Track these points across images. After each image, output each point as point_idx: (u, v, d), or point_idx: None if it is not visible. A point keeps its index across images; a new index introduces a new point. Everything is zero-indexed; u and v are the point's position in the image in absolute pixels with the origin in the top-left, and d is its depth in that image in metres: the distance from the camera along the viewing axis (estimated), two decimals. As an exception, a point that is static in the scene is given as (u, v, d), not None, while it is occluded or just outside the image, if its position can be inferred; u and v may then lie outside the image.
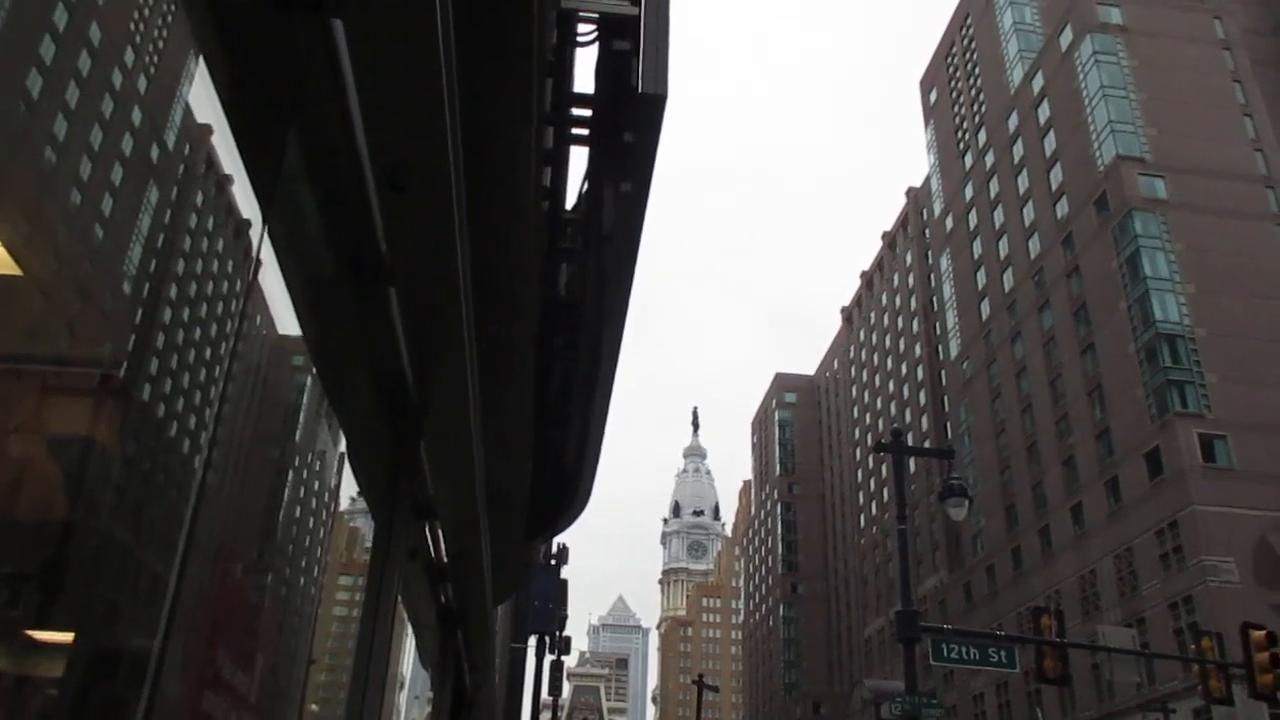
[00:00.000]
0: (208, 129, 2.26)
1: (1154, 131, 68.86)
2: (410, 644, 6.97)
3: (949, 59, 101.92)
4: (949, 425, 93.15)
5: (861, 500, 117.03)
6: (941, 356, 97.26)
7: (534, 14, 3.44)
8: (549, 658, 28.28)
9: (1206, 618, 49.40)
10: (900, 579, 21.44)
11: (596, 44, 4.66)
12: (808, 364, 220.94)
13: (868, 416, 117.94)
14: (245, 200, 2.49)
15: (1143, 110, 69.84)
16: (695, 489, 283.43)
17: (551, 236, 5.98)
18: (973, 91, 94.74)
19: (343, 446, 4.06)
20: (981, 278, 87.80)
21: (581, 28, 4.81)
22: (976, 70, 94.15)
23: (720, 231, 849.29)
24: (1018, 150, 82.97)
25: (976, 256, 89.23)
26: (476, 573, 8.24)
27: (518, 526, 8.83)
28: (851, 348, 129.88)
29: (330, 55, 2.62)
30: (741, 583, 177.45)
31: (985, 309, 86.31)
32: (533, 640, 25.66)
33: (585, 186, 5.52)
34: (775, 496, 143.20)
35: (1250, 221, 65.80)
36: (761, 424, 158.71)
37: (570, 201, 6.10)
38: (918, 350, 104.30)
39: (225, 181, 2.42)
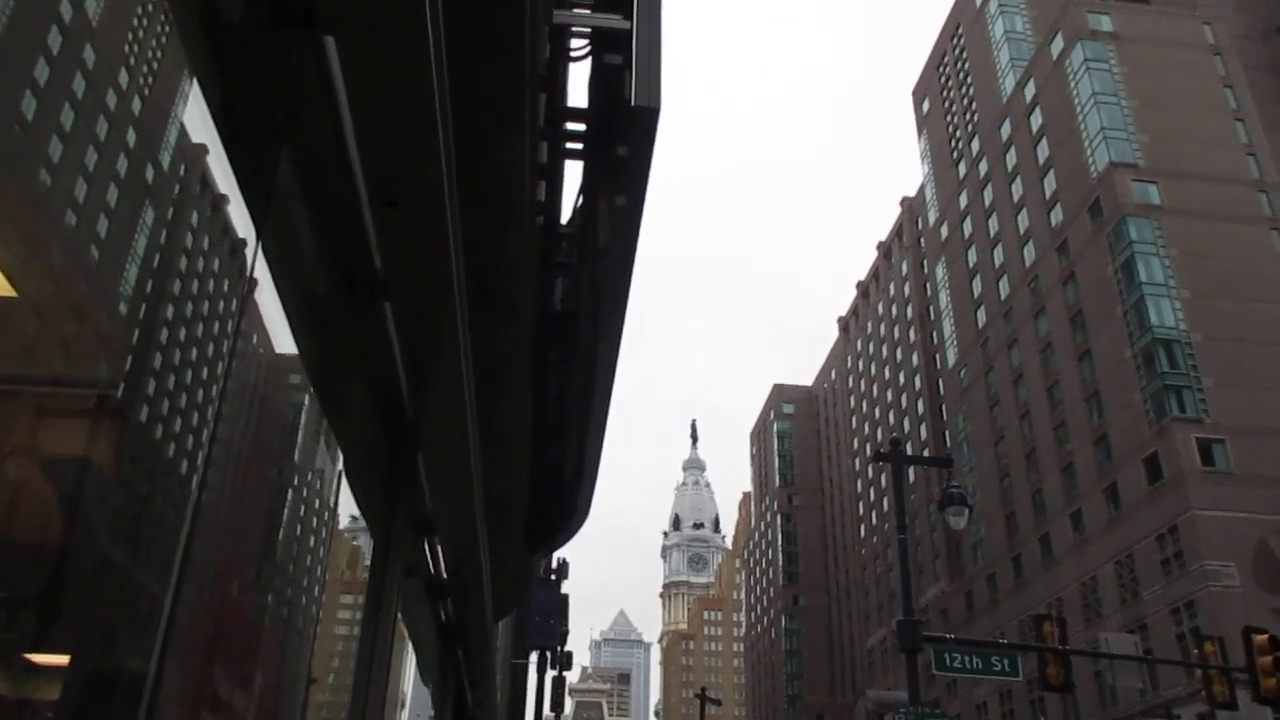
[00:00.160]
0: (202, 148, 2.27)
1: (1146, 137, 69.13)
2: (410, 661, 6.94)
3: (941, 69, 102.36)
4: (947, 434, 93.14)
5: (861, 510, 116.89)
6: (939, 365, 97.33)
7: (526, 29, 3.45)
8: (550, 674, 28.13)
9: (1208, 622, 49.30)
10: (901, 589, 21.40)
11: (589, 58, 4.67)
12: (806, 374, 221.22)
13: (866, 426, 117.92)
14: (239, 218, 2.49)
15: (1135, 116, 70.13)
16: (695, 501, 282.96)
17: (547, 251, 5.99)
18: (965, 100, 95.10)
19: (340, 463, 4.05)
20: (977, 286, 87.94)
21: (574, 42, 4.83)
22: (969, 79, 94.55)
23: (719, 243, 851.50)
24: (1011, 158, 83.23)
25: (972, 265, 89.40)
26: (476, 588, 8.21)
27: (517, 541, 8.81)
28: (849, 358, 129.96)
29: (322, 72, 2.62)
30: (743, 595, 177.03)
31: (981, 317, 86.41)
32: (534, 656, 25.57)
33: (580, 200, 5.53)
34: (775, 508, 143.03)
35: (1244, 226, 66.02)
36: (760, 435, 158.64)
37: (565, 216, 6.11)
38: (915, 359, 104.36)
39: (220, 200, 2.42)
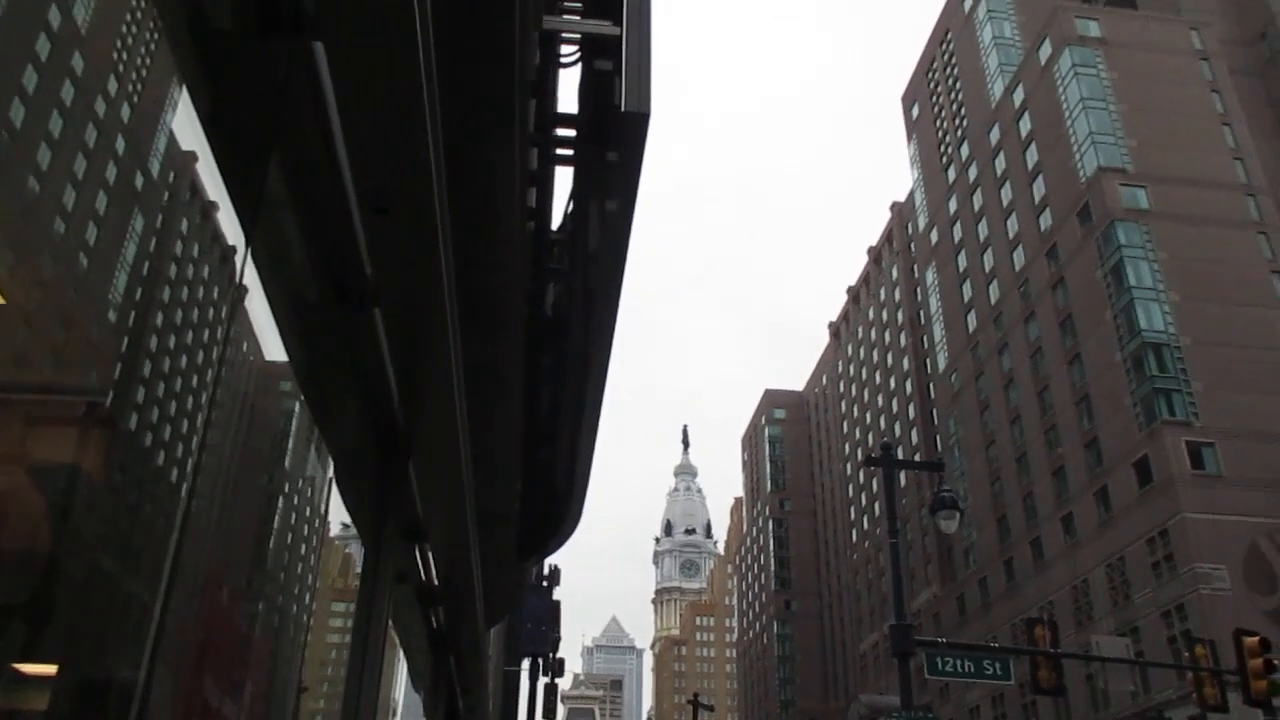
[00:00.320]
0: (192, 155, 2.27)
1: (1134, 142, 69.49)
2: (402, 668, 6.93)
3: (930, 74, 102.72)
4: (938, 438, 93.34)
5: (853, 515, 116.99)
6: (929, 370, 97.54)
7: (516, 35, 3.46)
8: (543, 680, 28.10)
9: (1199, 625, 49.51)
10: (893, 593, 21.41)
11: (579, 64, 4.68)
12: (798, 379, 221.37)
13: (857, 431, 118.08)
14: (229, 225, 2.49)
15: (1123, 121, 70.50)
16: (686, 507, 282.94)
17: (538, 257, 5.99)
18: (954, 106, 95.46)
19: (331, 470, 4.05)
20: (967, 290, 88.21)
21: (564, 49, 4.84)
22: (958, 85, 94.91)
23: (712, 248, 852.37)
24: (1000, 163, 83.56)
25: (962, 269, 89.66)
26: (468, 595, 8.19)
27: (509, 547, 8.80)
28: (840, 363, 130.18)
29: (311, 78, 2.62)
30: (735, 600, 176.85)
31: (972, 321, 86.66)
32: (526, 663, 25.53)
33: (570, 206, 5.54)
34: (767, 513, 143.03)
35: (1232, 229, 66.39)
36: (752, 440, 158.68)
37: (556, 222, 6.12)
38: (905, 364, 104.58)
39: (209, 207, 2.42)
